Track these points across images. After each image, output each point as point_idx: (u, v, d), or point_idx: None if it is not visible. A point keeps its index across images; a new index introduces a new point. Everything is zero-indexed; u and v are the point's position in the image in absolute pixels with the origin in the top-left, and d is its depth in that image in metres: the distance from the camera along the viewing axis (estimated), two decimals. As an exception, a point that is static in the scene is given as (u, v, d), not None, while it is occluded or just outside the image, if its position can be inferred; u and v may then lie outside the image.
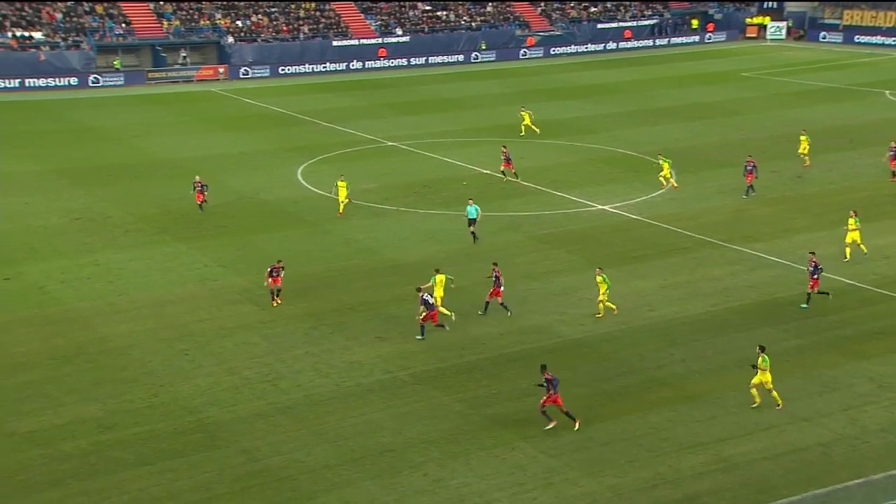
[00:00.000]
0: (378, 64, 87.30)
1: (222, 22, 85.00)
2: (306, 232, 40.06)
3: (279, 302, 31.93)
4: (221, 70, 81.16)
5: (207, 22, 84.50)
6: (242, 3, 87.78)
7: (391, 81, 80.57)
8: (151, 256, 36.32)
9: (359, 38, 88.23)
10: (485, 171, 49.61)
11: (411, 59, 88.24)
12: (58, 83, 73.92)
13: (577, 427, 23.97)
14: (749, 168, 44.40)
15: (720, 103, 68.30)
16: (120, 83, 76.71)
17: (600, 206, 43.33)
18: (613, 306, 30.97)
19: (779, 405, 24.86)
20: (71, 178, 47.95)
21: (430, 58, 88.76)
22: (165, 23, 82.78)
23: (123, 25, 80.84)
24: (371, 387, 26.09)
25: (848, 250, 35.76)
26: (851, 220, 35.77)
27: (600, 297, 30.82)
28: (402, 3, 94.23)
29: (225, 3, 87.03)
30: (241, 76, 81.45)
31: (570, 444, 23.45)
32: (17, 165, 50.06)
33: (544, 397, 23.98)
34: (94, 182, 47.09)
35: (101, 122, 62.35)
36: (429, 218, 42.13)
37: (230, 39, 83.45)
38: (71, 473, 22.10)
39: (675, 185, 45.26)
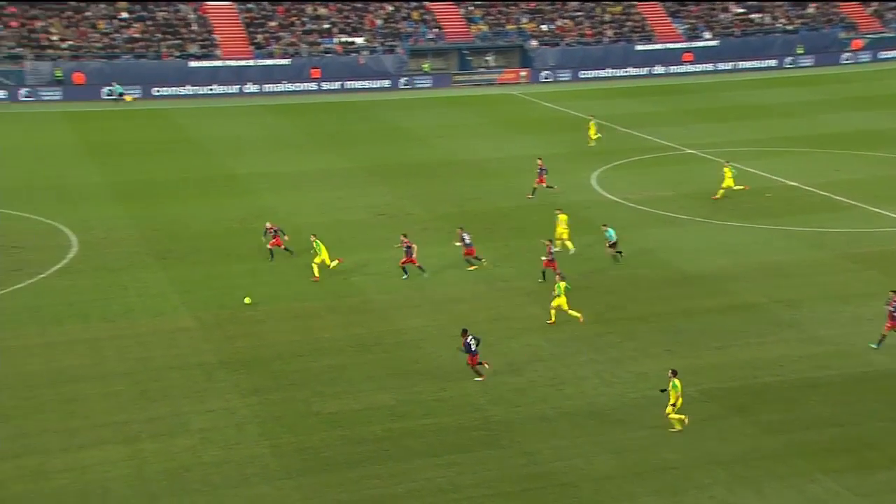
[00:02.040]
0: (682, 69, 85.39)
1: (528, 26, 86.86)
2: (598, 237, 39.99)
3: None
4: (523, 74, 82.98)
5: (513, 26, 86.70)
6: (549, 8, 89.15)
7: (695, 87, 78.50)
8: (445, 254, 37.82)
9: (664, 42, 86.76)
10: (791, 183, 47.02)
11: (718, 64, 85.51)
12: (373, 85, 79.00)
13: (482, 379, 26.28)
14: None
15: None
16: (428, 85, 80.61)
17: (923, 226, 39.69)
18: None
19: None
20: (378, 175, 51.02)
21: (739, 63, 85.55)
22: (473, 27, 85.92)
23: (435, 30, 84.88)
24: (658, 400, 25.57)
25: None
26: None
27: None
28: (712, 6, 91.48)
29: (532, 7, 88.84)
30: (543, 80, 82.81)
31: (884, 483, 21.63)
32: (333, 162, 54.00)
33: (468, 357, 26.34)
34: (398, 180, 49.81)
35: (408, 122, 65.85)
36: (726, 230, 40.62)
37: (534, 43, 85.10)
38: (366, 457, 23.54)
39: None
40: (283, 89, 76.00)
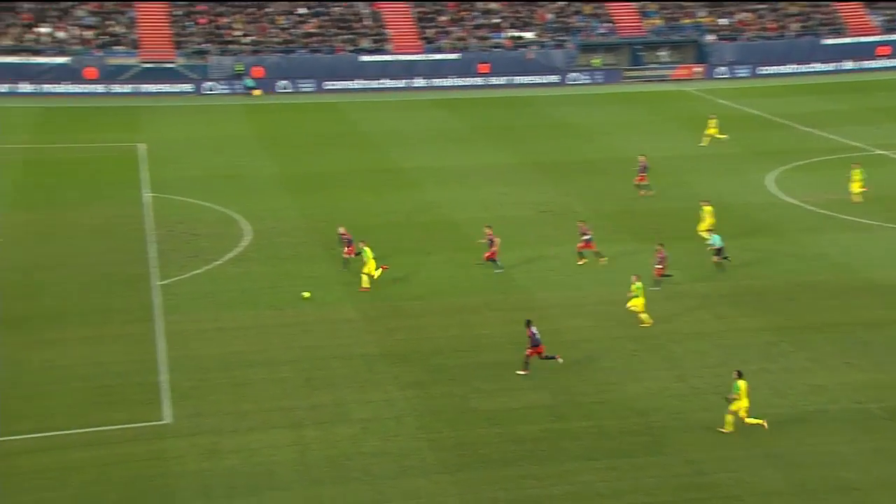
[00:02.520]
0: (876, 64, 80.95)
1: (705, 20, 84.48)
2: (772, 241, 38.51)
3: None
4: (698, 69, 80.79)
5: (690, 20, 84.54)
6: (729, 1, 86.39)
7: (890, 83, 74.29)
8: (608, 253, 37.30)
9: (855, 36, 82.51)
10: None
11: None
12: (541, 81, 78.80)
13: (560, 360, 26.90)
14: None
15: None
16: (597, 81, 79.75)
17: None
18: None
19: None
20: (543, 171, 50.84)
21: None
22: (647, 21, 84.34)
23: (607, 25, 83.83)
24: (835, 415, 24.39)
25: None
26: None
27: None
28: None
29: (711, 0, 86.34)
30: (718, 76, 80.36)
31: None
32: (498, 157, 54.21)
33: (528, 349, 26.84)
34: (562, 176, 49.47)
35: (575, 118, 65.33)
36: (917, 237, 38.30)
37: (711, 38, 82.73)
38: (523, 456, 23.54)
39: None
40: (450, 84, 76.84)
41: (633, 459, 23.17)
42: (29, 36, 72.51)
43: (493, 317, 32.02)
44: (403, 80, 76.55)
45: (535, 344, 27.34)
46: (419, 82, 76.78)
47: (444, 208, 43.47)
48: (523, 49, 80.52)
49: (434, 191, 46.97)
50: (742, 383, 23.97)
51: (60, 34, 73.28)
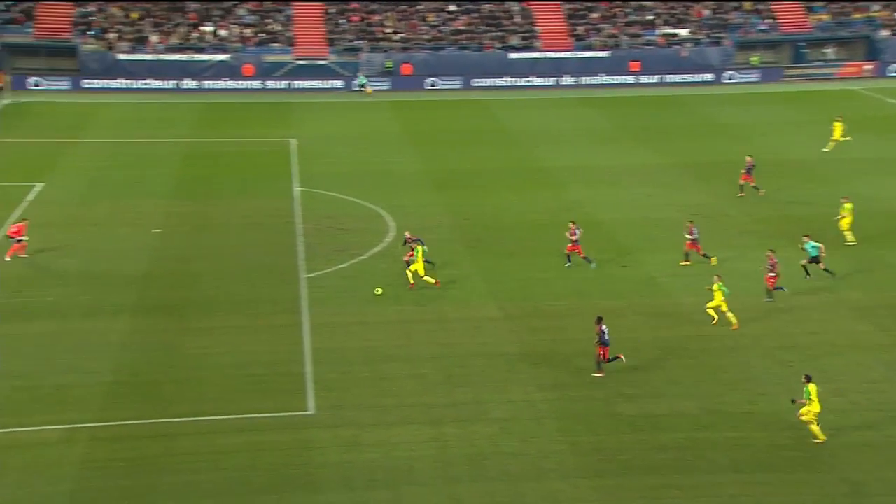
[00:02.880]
0: None
1: (879, 14, 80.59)
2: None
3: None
4: (868, 67, 77.18)
5: (861, 14, 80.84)
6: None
7: None
8: (762, 259, 36.15)
9: None
10: None
11: None
12: (694, 79, 77.01)
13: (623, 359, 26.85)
14: None
15: None
16: (755, 80, 77.30)
17: None
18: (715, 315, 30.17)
19: None
20: (693, 173, 49.68)
21: None
22: (813, 17, 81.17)
23: (768, 21, 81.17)
24: None
25: None
26: None
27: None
28: None
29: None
30: (891, 74, 76.53)
31: None
32: (647, 158, 53.29)
33: (598, 349, 26.97)
34: (715, 178, 48.17)
35: (730, 118, 63.52)
36: None
37: (884, 33, 78.88)
38: (667, 464, 23.14)
39: None
40: (600, 82, 76.06)
41: (784, 475, 22.41)
42: (194, 35, 75.99)
43: (638, 321, 31.56)
44: (552, 78, 76.21)
45: (603, 343, 27.30)
46: (568, 80, 76.28)
47: (588, 208, 43.10)
48: (677, 46, 78.87)
49: (579, 190, 46.62)
50: (812, 387, 23.25)
51: (222, 32, 76.49)
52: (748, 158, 44.90)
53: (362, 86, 73.78)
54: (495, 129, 60.82)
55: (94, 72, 71.65)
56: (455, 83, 75.24)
